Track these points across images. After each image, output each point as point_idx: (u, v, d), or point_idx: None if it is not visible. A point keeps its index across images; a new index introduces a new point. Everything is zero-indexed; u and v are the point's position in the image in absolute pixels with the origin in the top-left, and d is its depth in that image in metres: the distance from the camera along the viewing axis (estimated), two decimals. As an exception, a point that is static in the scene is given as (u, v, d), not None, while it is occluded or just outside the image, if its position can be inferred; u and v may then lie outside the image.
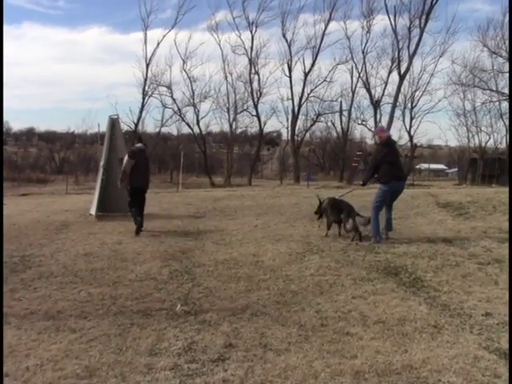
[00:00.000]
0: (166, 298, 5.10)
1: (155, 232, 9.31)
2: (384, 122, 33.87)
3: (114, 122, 11.53)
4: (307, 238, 8.19)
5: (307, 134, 44.01)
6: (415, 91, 35.24)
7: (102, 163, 11.43)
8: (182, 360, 3.55)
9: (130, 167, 9.51)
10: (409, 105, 35.74)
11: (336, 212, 8.25)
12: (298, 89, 36.50)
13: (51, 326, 4.35)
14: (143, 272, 6.23)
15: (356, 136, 46.79)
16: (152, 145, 39.20)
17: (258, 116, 35.09)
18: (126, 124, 34.54)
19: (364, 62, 34.93)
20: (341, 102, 36.97)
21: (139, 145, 9.98)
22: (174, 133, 41.52)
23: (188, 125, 35.33)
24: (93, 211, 11.35)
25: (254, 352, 3.61)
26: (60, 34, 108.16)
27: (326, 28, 34.83)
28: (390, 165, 7.85)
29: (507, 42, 28.78)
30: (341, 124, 37.94)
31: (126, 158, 9.68)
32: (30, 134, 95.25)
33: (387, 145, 8.09)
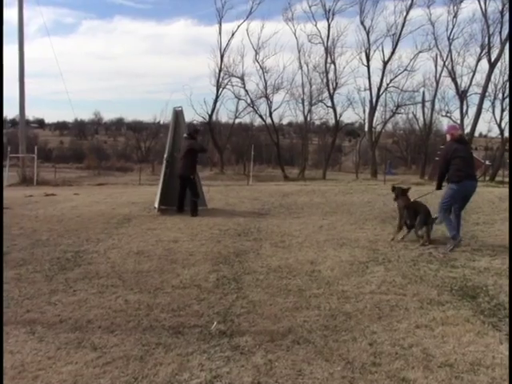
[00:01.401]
0: (205, 312, 4.59)
1: (214, 230, 8.90)
2: (471, 114, 31.55)
3: (177, 114, 11.24)
4: (374, 244, 7.40)
5: (390, 126, 42.28)
6: (507, 80, 32.46)
7: (165, 156, 11.19)
8: (199, 400, 3.01)
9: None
10: (499, 95, 33.05)
11: (412, 216, 7.55)
12: (376, 79, 34.60)
13: (74, 340, 3.98)
14: (189, 277, 5.79)
15: (442, 128, 44.21)
16: (226, 136, 39.27)
17: (333, 107, 33.90)
18: (200, 115, 34.73)
19: (450, 50, 32.72)
20: (423, 93, 34.87)
21: (185, 135, 10.83)
22: (255, 123, 41.15)
23: (261, 116, 34.85)
24: (157, 204, 11.16)
25: (284, 397, 3.00)
26: (148, 27, 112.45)
27: (407, 14, 32.90)
28: (463, 161, 6.99)
29: None
30: (423, 116, 35.74)
31: None
32: (119, 124, 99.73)
33: (460, 142, 7.22)
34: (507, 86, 32.51)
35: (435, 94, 34.20)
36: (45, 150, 73.65)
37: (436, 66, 33.79)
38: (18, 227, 8.94)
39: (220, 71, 33.97)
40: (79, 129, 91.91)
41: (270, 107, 33.95)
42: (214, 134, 35.26)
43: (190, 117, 44.71)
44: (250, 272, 5.97)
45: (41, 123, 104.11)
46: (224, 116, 43.96)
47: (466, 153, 7.15)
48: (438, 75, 33.81)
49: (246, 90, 33.89)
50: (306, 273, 5.83)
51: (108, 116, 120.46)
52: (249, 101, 34.00)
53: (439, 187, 7.44)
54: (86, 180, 23.43)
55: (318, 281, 5.48)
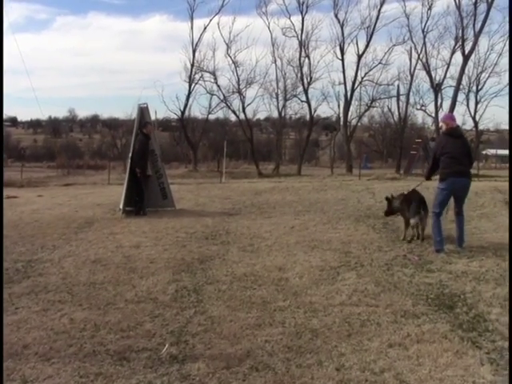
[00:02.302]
0: (157, 332, 4.13)
1: (180, 233, 8.43)
2: (446, 107, 31.46)
3: (142, 111, 10.71)
4: (347, 246, 7.02)
5: (365, 119, 42.04)
6: (481, 73, 32.42)
7: (130, 154, 10.65)
8: None
9: None
10: (474, 88, 32.99)
11: (415, 207, 7.16)
12: (350, 73, 34.02)
13: (4, 371, 3.48)
14: (146, 289, 5.31)
15: (418, 121, 44.14)
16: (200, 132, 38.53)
17: (308, 102, 33.35)
18: (172, 111, 33.98)
19: (424, 42, 32.15)
20: (398, 86, 34.30)
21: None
22: (232, 119, 40.18)
23: (234, 112, 33.86)
24: (122, 206, 10.61)
25: None
26: (123, 23, 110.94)
27: (381, 7, 32.44)
28: (450, 158, 6.56)
29: None
30: (398, 109, 35.28)
31: None
32: (94, 121, 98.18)
33: (450, 135, 6.76)
34: (481, 78, 32.63)
35: (410, 88, 33.72)
36: (17, 148, 71.93)
37: (411, 59, 33.31)
38: (-32, 234, 8.32)
39: (192, 66, 33.12)
40: (53, 127, 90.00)
41: (242, 102, 33.12)
42: (186, 131, 34.46)
43: (162, 113, 43.92)
44: (212, 281, 5.52)
45: (13, 121, 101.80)
46: (197, 112, 42.78)
47: (456, 148, 6.65)
48: (412, 68, 33.36)
49: (218, 86, 33.05)
50: (273, 281, 5.40)
51: (83, 113, 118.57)
52: (221, 96, 33.26)
53: (428, 178, 7.28)
54: (54, 180, 22.59)
55: (285, 291, 5.06)
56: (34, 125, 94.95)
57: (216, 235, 8.20)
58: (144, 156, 10.36)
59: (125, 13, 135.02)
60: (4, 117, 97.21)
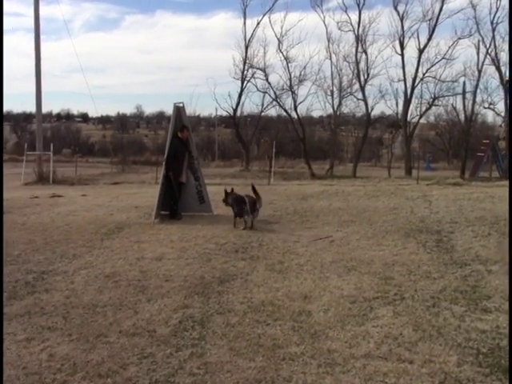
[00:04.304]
0: (139, 381, 3.46)
1: (210, 243, 7.80)
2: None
3: (179, 111, 10.15)
4: (389, 269, 6.08)
5: (432, 117, 39.80)
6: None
7: (165, 156, 10.12)
8: None
9: None
10: (549, 84, 30.21)
11: (239, 206, 9.12)
12: (410, 69, 31.93)
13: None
14: (148, 317, 4.67)
15: (488, 120, 41.35)
16: (258, 130, 37.85)
17: (365, 100, 31.72)
18: (224, 109, 33.58)
19: (493, 35, 29.50)
20: (464, 83, 31.64)
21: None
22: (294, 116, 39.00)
23: (286, 111, 32.75)
24: (155, 210, 10.11)
25: None
26: (189, 21, 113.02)
27: (445, -3, 30.30)
28: None
29: None
30: (463, 108, 32.73)
31: None
32: (160, 117, 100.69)
33: None
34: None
35: (477, 84, 31.08)
36: (87, 144, 74.54)
37: (478, 54, 30.79)
38: (-7, 238, 8.07)
39: (244, 63, 32.37)
40: (121, 123, 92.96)
41: (294, 101, 31.96)
42: (238, 129, 33.86)
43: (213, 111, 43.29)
44: (224, 311, 4.80)
45: (84, 117, 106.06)
46: (250, 110, 41.79)
47: None
48: (480, 63, 30.94)
49: (269, 83, 32.13)
50: (292, 315, 4.60)
51: (149, 110, 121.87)
52: (272, 94, 32.24)
53: None
54: (106, 177, 22.70)
55: (303, 330, 4.24)
56: (104, 121, 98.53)
57: (247, 248, 7.50)
58: (177, 160, 9.84)
59: (190, 11, 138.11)
60: (76, 113, 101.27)
